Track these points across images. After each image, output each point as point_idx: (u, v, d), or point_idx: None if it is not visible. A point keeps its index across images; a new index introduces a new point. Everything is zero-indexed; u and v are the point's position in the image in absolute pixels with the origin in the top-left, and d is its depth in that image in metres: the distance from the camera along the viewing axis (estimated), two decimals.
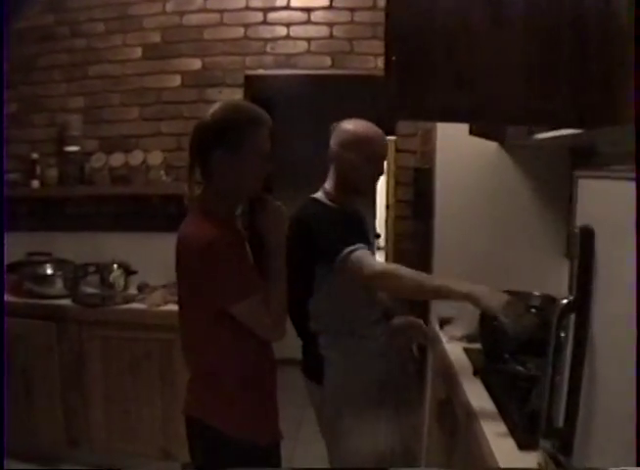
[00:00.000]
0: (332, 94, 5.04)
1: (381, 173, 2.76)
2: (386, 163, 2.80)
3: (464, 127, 3.32)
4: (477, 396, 2.44)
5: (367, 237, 2.69)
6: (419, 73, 1.91)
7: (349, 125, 2.70)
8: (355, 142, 2.67)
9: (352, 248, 2.41)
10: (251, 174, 2.13)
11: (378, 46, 4.30)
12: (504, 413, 2.23)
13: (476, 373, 2.66)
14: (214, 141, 2.09)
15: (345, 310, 2.68)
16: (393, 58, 1.88)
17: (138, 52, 4.68)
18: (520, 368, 2.46)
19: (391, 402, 2.70)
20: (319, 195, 2.75)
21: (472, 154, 3.40)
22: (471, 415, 2.28)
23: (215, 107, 2.14)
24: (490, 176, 3.39)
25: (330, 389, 2.66)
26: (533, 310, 2.63)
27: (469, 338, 3.13)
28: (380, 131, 2.73)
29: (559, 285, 3.04)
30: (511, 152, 3.39)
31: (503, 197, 3.39)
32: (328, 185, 2.75)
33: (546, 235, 3.38)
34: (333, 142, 2.72)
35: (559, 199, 3.32)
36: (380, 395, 2.65)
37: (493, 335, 2.62)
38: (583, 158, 2.83)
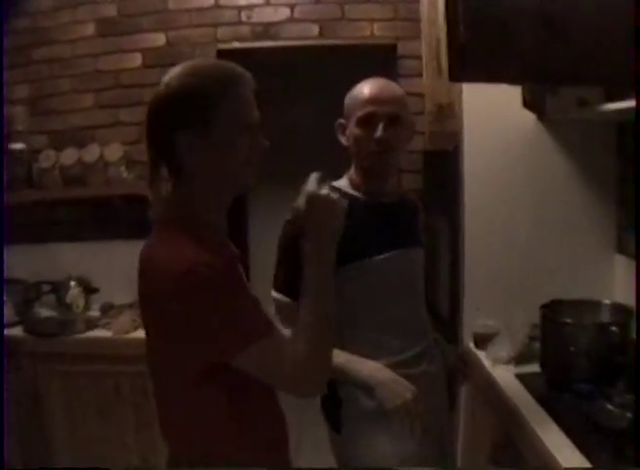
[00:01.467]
0: (321, 69, 4.62)
1: (379, 141, 2.30)
2: None
3: (494, 99, 2.99)
4: (553, 440, 2.04)
5: (400, 236, 2.34)
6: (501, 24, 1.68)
7: (356, 86, 2.33)
8: (350, 105, 2.31)
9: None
10: (238, 158, 1.65)
11: (373, 10, 4.05)
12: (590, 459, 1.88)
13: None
14: (177, 120, 1.62)
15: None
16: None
17: (90, 29, 4.29)
18: (609, 407, 2.07)
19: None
20: (342, 183, 2.36)
21: (505, 132, 3.09)
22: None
23: (171, 72, 1.67)
24: (527, 158, 3.08)
25: (349, 439, 2.24)
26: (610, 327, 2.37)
27: (518, 360, 2.76)
28: (388, 87, 2.32)
29: (611, 286, 3.00)
30: (552, 128, 3.06)
31: (543, 183, 3.10)
32: (352, 170, 2.39)
33: (593, 227, 3.11)
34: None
35: (606, 184, 3.07)
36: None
37: (560, 355, 2.43)
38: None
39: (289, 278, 2.06)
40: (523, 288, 3.01)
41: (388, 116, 2.23)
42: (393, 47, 3.98)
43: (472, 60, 1.69)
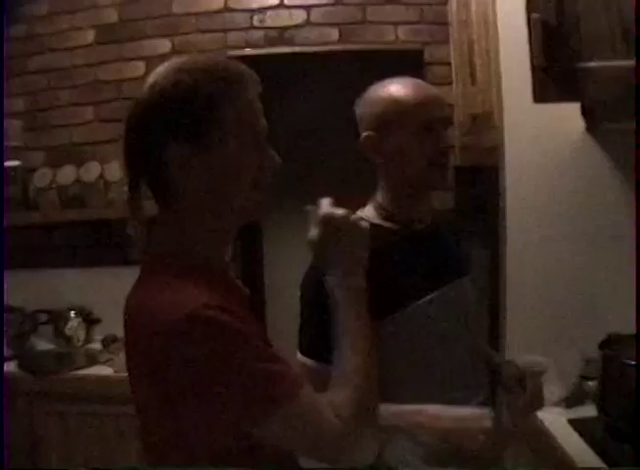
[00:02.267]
0: (341, 77, 4.31)
1: (444, 150, 2.04)
2: None
3: (539, 109, 2.61)
4: None
5: (442, 269, 2.03)
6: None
7: (380, 90, 2.00)
8: (396, 112, 1.96)
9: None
10: (243, 178, 1.40)
11: (398, 12, 3.88)
12: None
13: None
14: (166, 131, 1.36)
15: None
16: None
17: (90, 35, 4.16)
18: None
19: None
20: (368, 213, 2.03)
21: (551, 145, 2.84)
22: None
23: (158, 71, 1.41)
24: (576, 173, 2.85)
25: None
26: None
27: (569, 402, 2.60)
28: (428, 86, 2.05)
29: None
30: (603, 140, 2.82)
31: (595, 201, 2.85)
32: (379, 194, 2.05)
33: None
34: (360, 122, 2.04)
35: None
36: None
37: (623, 400, 2.24)
38: None
39: (318, 338, 1.73)
40: (572, 318, 2.79)
41: (443, 120, 1.98)
42: (420, 53, 3.83)
43: (554, 81, 1.75)
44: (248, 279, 1.50)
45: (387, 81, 2.00)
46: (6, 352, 3.79)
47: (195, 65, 1.39)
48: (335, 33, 3.96)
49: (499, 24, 2.71)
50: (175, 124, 1.34)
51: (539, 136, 2.84)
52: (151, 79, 1.38)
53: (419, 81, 2.01)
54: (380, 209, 2.03)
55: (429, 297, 1.92)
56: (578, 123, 2.78)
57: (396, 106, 1.95)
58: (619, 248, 2.84)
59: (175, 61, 1.41)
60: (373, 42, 3.93)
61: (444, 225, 2.19)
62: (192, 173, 1.35)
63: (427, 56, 3.81)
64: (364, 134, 1.98)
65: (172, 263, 1.36)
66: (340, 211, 1.49)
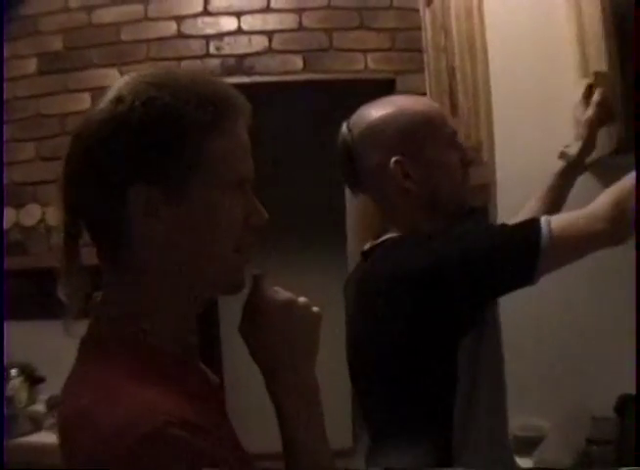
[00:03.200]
0: (306, 109, 4.38)
1: (469, 164, 1.88)
2: None
3: (534, 142, 2.60)
4: None
5: None
6: None
7: (391, 108, 1.83)
8: (427, 125, 1.81)
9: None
10: (225, 233, 1.10)
11: (367, 39, 3.77)
12: None
13: None
14: (126, 163, 1.04)
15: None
16: None
17: (32, 65, 4.00)
18: None
19: None
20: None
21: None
22: None
23: (122, 84, 1.09)
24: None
25: None
26: None
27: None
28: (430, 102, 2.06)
29: None
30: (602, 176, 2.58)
31: None
32: (404, 225, 1.84)
33: None
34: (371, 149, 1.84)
35: None
36: None
37: None
38: None
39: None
40: (575, 375, 2.65)
41: (457, 131, 1.90)
42: (392, 82, 3.72)
43: None
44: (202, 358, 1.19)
45: (382, 101, 1.85)
46: None
47: (176, 80, 1.09)
48: (299, 61, 3.83)
49: (489, 50, 2.56)
50: (143, 158, 1.03)
51: (537, 172, 2.56)
52: (113, 92, 1.05)
53: (412, 95, 2.05)
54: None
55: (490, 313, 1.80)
56: None
57: (425, 119, 1.79)
58: (628, 295, 2.57)
59: (150, 72, 1.10)
60: (340, 71, 3.81)
61: None
62: (158, 227, 1.04)
63: (399, 85, 3.71)
64: (393, 159, 1.76)
65: (122, 350, 1.04)
66: (285, 295, 1.18)
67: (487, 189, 2.75)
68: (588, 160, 2.56)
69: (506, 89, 2.45)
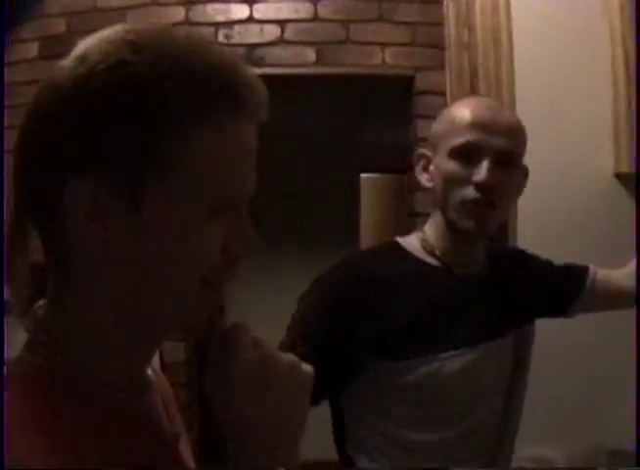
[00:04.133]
0: (319, 106, 4.08)
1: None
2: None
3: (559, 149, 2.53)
4: None
5: (492, 320, 1.83)
6: None
7: (454, 108, 1.88)
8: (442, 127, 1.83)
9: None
10: (196, 258, 0.82)
11: (386, 32, 3.54)
12: None
13: None
14: (69, 149, 0.77)
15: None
16: None
17: (33, 49, 3.85)
18: None
19: None
20: (412, 243, 1.86)
21: (573, 197, 2.61)
22: None
23: (91, 42, 0.81)
24: (602, 231, 2.62)
25: None
26: None
27: None
28: (501, 108, 1.92)
29: None
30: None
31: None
32: (428, 226, 1.88)
33: None
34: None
35: None
36: None
37: None
38: None
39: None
40: (588, 406, 2.59)
41: (498, 150, 1.70)
42: (410, 79, 3.52)
43: None
44: None
45: (471, 98, 2.06)
46: None
47: (168, 45, 0.82)
48: (311, 54, 3.62)
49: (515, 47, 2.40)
50: (95, 141, 0.77)
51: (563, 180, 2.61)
52: (81, 48, 0.82)
53: (496, 104, 1.94)
54: (425, 241, 1.83)
55: (466, 349, 1.74)
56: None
57: (445, 123, 1.80)
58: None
59: (142, 27, 0.83)
60: (356, 65, 3.58)
61: (509, 266, 1.97)
62: (103, 238, 0.79)
63: (418, 83, 3.49)
64: (417, 151, 1.89)
65: (59, 384, 0.80)
66: (268, 352, 0.90)
67: None
68: (618, 169, 2.47)
69: (532, 89, 2.28)
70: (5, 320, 1.08)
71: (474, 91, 2.85)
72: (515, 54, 2.48)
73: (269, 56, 3.63)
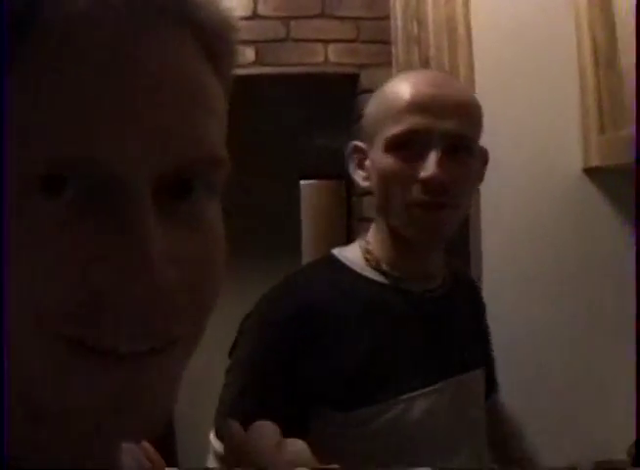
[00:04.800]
0: (258, 107, 3.99)
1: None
2: None
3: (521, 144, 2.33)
4: None
5: (451, 353, 1.52)
6: None
7: (390, 85, 1.50)
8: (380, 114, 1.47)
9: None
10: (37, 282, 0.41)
11: (329, 28, 3.51)
12: None
13: None
14: None
15: None
16: None
17: None
18: None
19: None
20: (352, 255, 1.52)
21: (538, 190, 2.41)
22: None
23: None
24: (570, 226, 2.40)
25: None
26: None
27: None
28: (448, 81, 1.50)
29: None
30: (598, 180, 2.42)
31: (594, 265, 2.39)
32: (371, 234, 1.54)
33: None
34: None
35: None
36: None
37: None
38: None
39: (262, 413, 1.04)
40: (566, 414, 2.34)
41: (447, 136, 1.37)
42: (355, 77, 3.48)
43: None
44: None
45: (411, 72, 1.66)
46: None
47: None
48: (250, 53, 3.54)
49: (474, 40, 2.30)
50: None
51: (524, 180, 2.38)
52: None
53: (441, 77, 1.54)
54: (368, 252, 1.50)
55: (426, 389, 1.43)
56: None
57: (380, 106, 1.47)
58: (622, 328, 2.30)
59: None
60: (298, 64, 3.53)
61: (464, 287, 1.67)
62: None
63: (363, 81, 3.44)
64: (349, 144, 1.54)
65: None
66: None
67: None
68: (587, 165, 2.37)
69: (492, 83, 2.17)
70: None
71: None
72: (473, 47, 2.36)
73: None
